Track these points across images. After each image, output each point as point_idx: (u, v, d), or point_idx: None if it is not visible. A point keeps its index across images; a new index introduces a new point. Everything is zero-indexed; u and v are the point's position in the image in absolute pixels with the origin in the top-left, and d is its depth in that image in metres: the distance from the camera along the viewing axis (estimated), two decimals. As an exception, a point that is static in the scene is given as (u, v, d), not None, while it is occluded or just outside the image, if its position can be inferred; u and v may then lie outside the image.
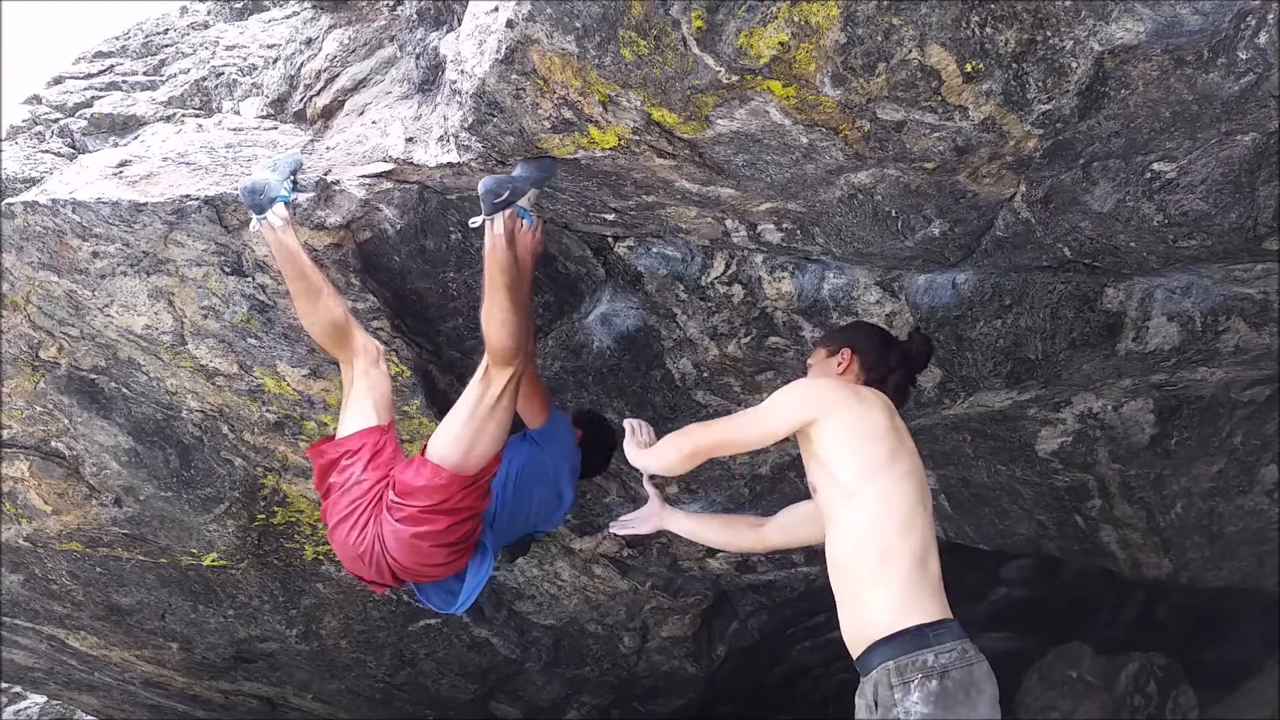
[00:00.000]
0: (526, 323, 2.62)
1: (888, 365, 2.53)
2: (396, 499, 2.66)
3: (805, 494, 2.76)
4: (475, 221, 2.50)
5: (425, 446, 2.70)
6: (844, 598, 2.30)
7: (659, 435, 2.70)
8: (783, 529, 2.89)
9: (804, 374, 2.68)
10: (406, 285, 3.01)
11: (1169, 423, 3.13)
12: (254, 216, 2.66)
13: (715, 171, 2.28)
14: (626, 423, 2.80)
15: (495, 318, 2.53)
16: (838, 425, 2.31)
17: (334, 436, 2.83)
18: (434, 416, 3.23)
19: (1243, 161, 1.98)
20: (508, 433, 2.71)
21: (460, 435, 2.62)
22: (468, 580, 2.86)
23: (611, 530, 3.19)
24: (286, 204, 2.67)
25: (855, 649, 2.26)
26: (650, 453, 2.65)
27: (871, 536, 2.23)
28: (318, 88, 3.23)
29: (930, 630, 2.16)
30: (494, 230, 2.46)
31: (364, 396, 2.79)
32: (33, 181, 3.23)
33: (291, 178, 2.74)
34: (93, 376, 3.33)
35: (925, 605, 2.18)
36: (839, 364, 2.53)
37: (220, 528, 3.68)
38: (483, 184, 2.39)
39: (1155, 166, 2.05)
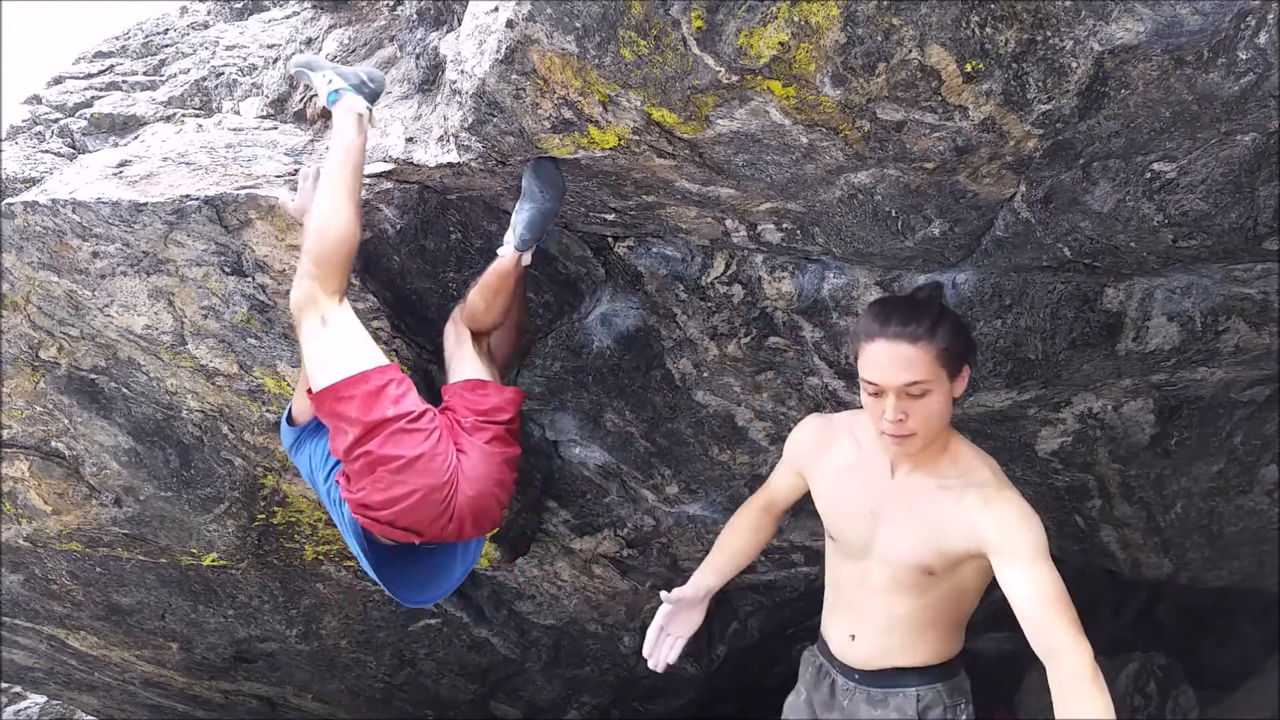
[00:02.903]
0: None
1: None
2: (482, 419, 2.49)
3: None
4: (504, 252, 2.55)
5: (451, 385, 2.69)
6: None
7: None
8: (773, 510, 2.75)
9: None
10: (406, 285, 3.00)
11: (1169, 423, 3.13)
12: (364, 102, 2.55)
13: (715, 171, 2.28)
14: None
15: (498, 307, 2.67)
16: None
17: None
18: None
19: (1243, 161, 1.98)
20: None
21: (478, 363, 2.69)
22: (469, 551, 2.77)
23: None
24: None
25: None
26: None
27: None
28: (318, 88, 3.23)
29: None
30: (524, 262, 2.55)
31: (364, 330, 2.56)
32: (33, 181, 3.24)
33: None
34: (93, 376, 3.33)
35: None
36: (961, 384, 2.16)
37: (220, 528, 3.68)
38: (529, 226, 2.41)
39: (1155, 166, 2.05)
